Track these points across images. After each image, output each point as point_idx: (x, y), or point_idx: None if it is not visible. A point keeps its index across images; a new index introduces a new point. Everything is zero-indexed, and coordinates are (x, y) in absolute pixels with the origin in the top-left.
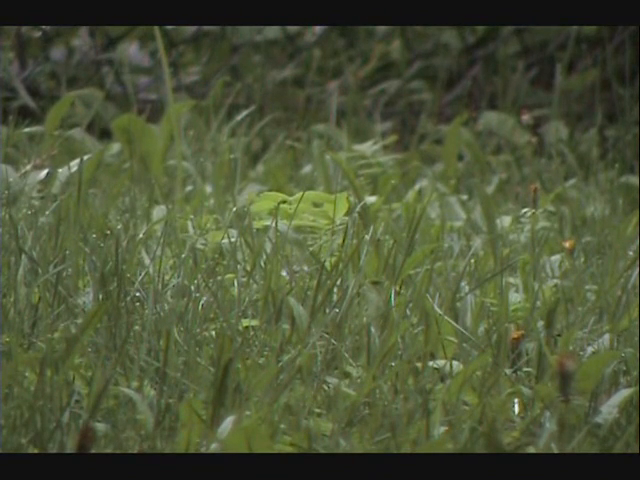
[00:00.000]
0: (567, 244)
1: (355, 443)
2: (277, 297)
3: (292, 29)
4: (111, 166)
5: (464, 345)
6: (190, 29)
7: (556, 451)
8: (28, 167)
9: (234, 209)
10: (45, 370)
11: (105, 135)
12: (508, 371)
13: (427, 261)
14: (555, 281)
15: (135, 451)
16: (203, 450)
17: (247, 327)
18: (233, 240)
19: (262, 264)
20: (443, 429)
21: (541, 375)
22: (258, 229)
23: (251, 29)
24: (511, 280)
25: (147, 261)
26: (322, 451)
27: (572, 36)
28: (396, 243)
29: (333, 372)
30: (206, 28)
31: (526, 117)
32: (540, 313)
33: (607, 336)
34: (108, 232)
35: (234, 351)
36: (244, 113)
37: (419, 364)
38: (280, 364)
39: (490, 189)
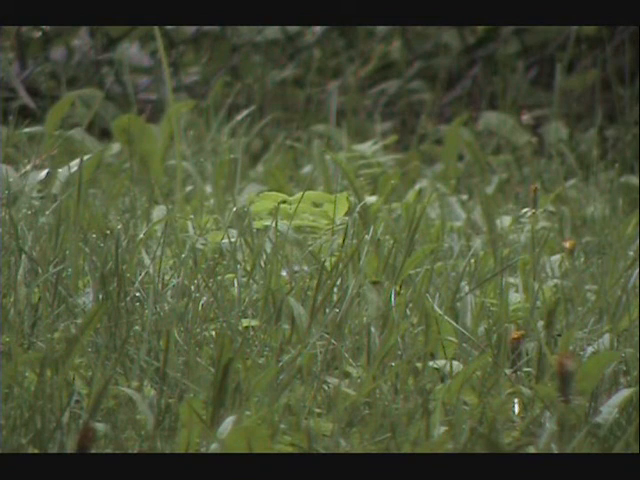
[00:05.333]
0: (567, 244)
1: (355, 443)
2: (277, 297)
3: (292, 29)
4: (111, 166)
5: (464, 345)
6: (190, 29)
7: (556, 451)
8: (28, 167)
9: (234, 209)
10: (45, 370)
11: (105, 135)
12: (508, 371)
13: (427, 261)
14: (555, 281)
15: (135, 451)
16: (203, 450)
17: (247, 327)
18: (233, 240)
19: (262, 264)
20: (443, 429)
21: (541, 375)
22: (258, 229)
23: (251, 29)
24: (511, 280)
25: (147, 261)
26: (322, 451)
27: (572, 36)
28: (396, 243)
29: (333, 372)
30: (206, 28)
31: (526, 117)
32: (540, 313)
33: (607, 336)
34: (108, 232)
35: (234, 351)
36: (244, 113)
37: (419, 364)
38: (280, 364)
39: (490, 189)
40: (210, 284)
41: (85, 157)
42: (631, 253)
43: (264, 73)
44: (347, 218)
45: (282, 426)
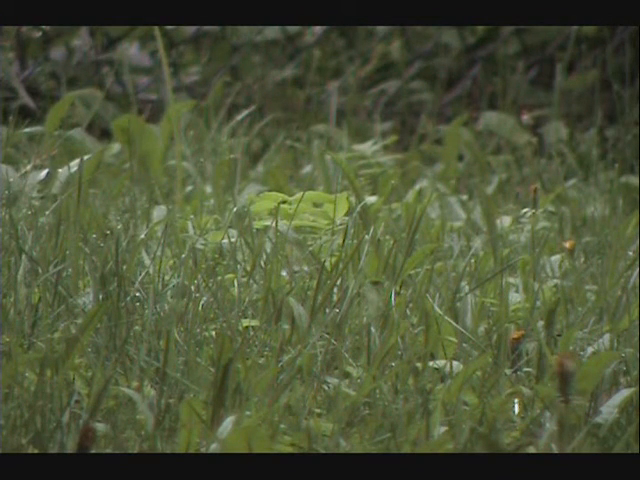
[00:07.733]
0: (567, 244)
1: (355, 443)
2: (277, 297)
3: (292, 29)
4: (111, 166)
5: (464, 345)
6: (190, 29)
7: (556, 451)
8: (28, 167)
9: (234, 209)
10: (45, 370)
11: (105, 135)
12: (508, 371)
13: (427, 261)
14: (555, 281)
15: (135, 451)
16: (203, 450)
17: (247, 327)
18: (233, 240)
19: (262, 264)
20: (443, 429)
21: (541, 375)
22: (258, 229)
23: (251, 29)
24: (511, 280)
25: (147, 261)
26: (322, 451)
27: (572, 36)
28: (396, 243)
29: (333, 372)
30: (206, 28)
31: (526, 117)
32: (540, 313)
33: (607, 336)
34: (108, 232)
35: (234, 351)
36: (244, 113)
37: (419, 364)
38: (280, 364)
39: (490, 189)
40: (210, 284)
41: (85, 157)
42: (631, 253)
43: (264, 73)
44: (347, 218)
45: (282, 426)
